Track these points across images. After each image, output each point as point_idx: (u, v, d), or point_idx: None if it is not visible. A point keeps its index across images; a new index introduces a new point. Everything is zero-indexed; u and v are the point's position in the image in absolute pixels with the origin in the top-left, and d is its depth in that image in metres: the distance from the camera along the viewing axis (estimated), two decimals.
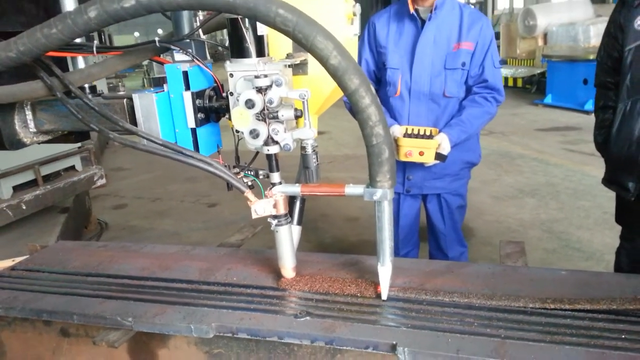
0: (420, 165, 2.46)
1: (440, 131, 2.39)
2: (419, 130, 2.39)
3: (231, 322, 1.40)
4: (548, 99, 10.57)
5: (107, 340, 1.43)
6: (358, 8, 1.62)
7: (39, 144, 1.73)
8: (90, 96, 1.61)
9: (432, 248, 2.80)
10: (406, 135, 2.37)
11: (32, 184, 4.05)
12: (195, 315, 1.45)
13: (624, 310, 1.31)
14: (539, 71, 11.92)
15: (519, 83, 12.67)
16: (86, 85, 1.64)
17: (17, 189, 3.94)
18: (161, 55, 1.62)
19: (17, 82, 1.53)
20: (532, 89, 12.08)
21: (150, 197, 6.21)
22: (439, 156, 2.33)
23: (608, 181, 2.32)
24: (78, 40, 1.52)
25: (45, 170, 4.19)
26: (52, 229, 3.94)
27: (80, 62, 1.68)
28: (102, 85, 6.67)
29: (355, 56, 1.82)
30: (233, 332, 1.39)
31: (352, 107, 1.30)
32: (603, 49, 2.25)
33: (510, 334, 1.26)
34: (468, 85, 2.45)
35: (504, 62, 13.69)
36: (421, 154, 2.30)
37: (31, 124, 1.66)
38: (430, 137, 2.35)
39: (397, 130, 2.41)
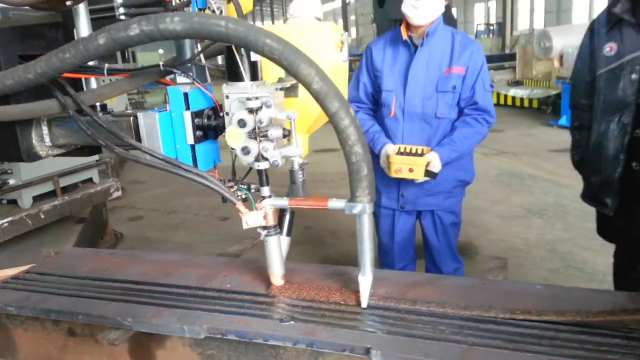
0: (414, 183, 2.56)
1: (432, 150, 2.49)
2: (411, 148, 2.50)
3: (221, 324, 1.50)
4: (563, 120, 10.55)
5: (108, 338, 1.55)
6: (346, 37, 1.75)
7: (53, 156, 1.88)
8: (100, 114, 1.76)
9: (427, 263, 2.88)
10: (399, 153, 2.48)
11: (51, 194, 4.24)
12: (189, 317, 1.56)
13: (588, 323, 1.39)
14: (554, 92, 11.93)
15: (535, 104, 12.68)
16: (97, 104, 1.80)
17: (36, 199, 4.13)
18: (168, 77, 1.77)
19: (35, 100, 1.68)
20: (548, 109, 12.08)
21: (165, 210, 6.38)
22: (429, 173, 2.43)
23: (587, 197, 2.42)
24: (91, 63, 1.68)
25: (64, 182, 4.37)
26: (68, 238, 4.11)
27: (93, 83, 1.83)
28: (123, 100, 6.92)
29: (345, 80, 1.96)
30: (222, 334, 1.49)
31: (333, 128, 1.41)
32: (576, 73, 2.36)
33: (477, 341, 1.34)
34: (460, 107, 2.56)
35: (519, 83, 13.76)
36: (411, 170, 2.41)
37: (47, 138, 1.81)
38: (421, 155, 2.46)
39: (390, 148, 2.52)
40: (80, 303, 1.72)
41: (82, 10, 1.72)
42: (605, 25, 2.16)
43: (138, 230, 5.70)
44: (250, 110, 1.48)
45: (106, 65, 1.70)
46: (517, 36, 21.49)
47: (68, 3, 1.55)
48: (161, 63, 1.65)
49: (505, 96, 13.49)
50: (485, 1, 39.97)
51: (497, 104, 13.52)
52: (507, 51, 18.87)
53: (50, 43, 1.86)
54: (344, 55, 1.79)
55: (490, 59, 16.00)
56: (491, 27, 25.45)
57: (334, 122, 1.39)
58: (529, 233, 4.88)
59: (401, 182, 2.65)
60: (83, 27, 1.72)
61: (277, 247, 1.64)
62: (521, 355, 1.27)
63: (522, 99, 12.96)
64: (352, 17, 46.84)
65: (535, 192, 6.22)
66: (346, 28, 34.17)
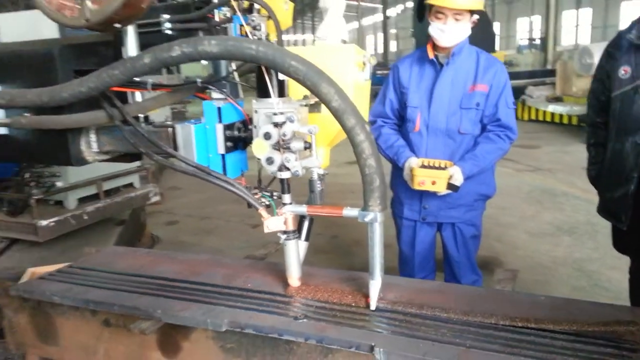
0: (436, 195, 2.65)
1: (454, 164, 2.58)
2: (434, 162, 2.60)
3: (241, 319, 1.65)
4: None
5: (139, 328, 1.72)
6: (368, 57, 1.89)
7: (99, 162, 2.07)
8: (143, 124, 1.94)
9: (447, 275, 2.95)
10: (422, 166, 2.59)
11: (95, 197, 4.49)
12: (213, 312, 1.71)
13: (583, 332, 1.47)
14: None
15: (574, 121, 12.44)
16: (141, 115, 1.98)
17: (81, 201, 4.39)
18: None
19: (86, 111, 1.88)
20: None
21: (199, 216, 6.61)
22: (451, 186, 2.52)
23: (603, 211, 2.48)
24: (137, 79, 1.86)
25: (107, 185, 4.63)
26: (108, 239, 4.35)
27: (138, 96, 2.01)
28: (166, 109, 7.20)
29: (367, 97, 2.09)
30: (242, 328, 1.63)
31: (350, 142, 1.55)
32: (592, 92, 2.44)
33: (475, 344, 1.44)
34: (483, 123, 2.65)
35: (559, 99, 13.56)
36: (433, 183, 2.50)
37: (94, 145, 2.00)
38: (444, 168, 2.56)
39: (414, 161, 2.62)
40: (116, 295, 1.90)
41: (130, 31, 1.91)
42: (620, 49, 2.23)
43: (173, 234, 5.94)
44: (276, 124, 1.63)
45: (150, 80, 1.88)
46: (561, 52, 21.11)
47: (117, 25, 1.73)
48: (199, 80, 1.82)
49: (544, 112, 13.29)
50: (528, 15, 39.48)
51: (535, 120, 13.35)
52: (549, 67, 18.59)
53: (102, 60, 2.04)
54: (366, 75, 1.93)
55: (532, 74, 15.85)
56: (534, 42, 25.07)
57: (350, 137, 1.53)
58: (557, 251, 4.85)
59: (423, 195, 2.74)
60: (131, 45, 1.90)
61: (295, 251, 1.78)
62: (515, 358, 1.36)
63: (561, 116, 12.76)
64: (393, 31, 46.98)
65: (567, 209, 6.15)
66: (387, 41, 34.29)
